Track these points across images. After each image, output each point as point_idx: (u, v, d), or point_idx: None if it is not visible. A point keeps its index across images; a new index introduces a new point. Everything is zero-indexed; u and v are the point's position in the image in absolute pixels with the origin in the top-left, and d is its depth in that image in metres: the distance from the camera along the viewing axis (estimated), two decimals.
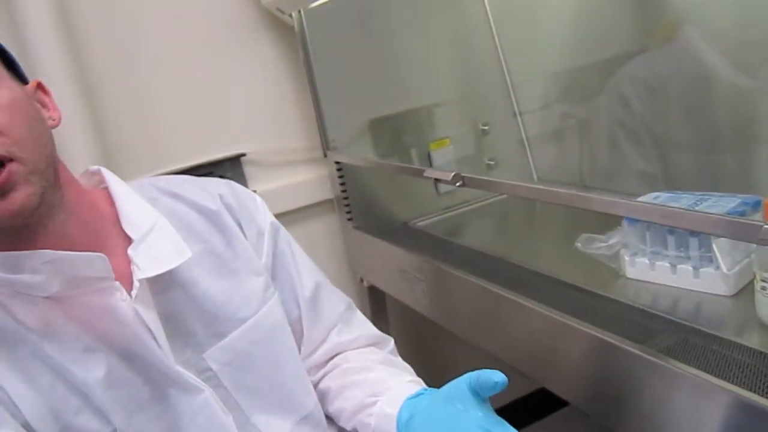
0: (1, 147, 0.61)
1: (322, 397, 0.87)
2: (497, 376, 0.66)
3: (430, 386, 0.78)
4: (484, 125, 1.55)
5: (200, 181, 0.85)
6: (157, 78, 1.40)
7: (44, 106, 0.72)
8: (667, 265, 0.88)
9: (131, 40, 1.37)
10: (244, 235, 0.82)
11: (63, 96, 1.26)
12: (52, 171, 0.67)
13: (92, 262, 0.67)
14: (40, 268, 0.66)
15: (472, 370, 0.70)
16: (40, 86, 0.73)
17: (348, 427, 0.83)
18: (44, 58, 1.24)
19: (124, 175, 0.82)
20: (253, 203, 0.86)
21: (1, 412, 0.66)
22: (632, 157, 1.22)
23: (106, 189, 0.77)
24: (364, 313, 0.95)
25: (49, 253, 0.65)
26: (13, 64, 0.70)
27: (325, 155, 1.45)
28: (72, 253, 0.66)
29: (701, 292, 0.85)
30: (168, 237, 0.74)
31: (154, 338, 0.71)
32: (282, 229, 0.88)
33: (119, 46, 1.36)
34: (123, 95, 1.37)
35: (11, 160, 0.62)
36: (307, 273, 0.88)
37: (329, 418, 0.87)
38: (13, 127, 0.63)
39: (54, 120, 0.72)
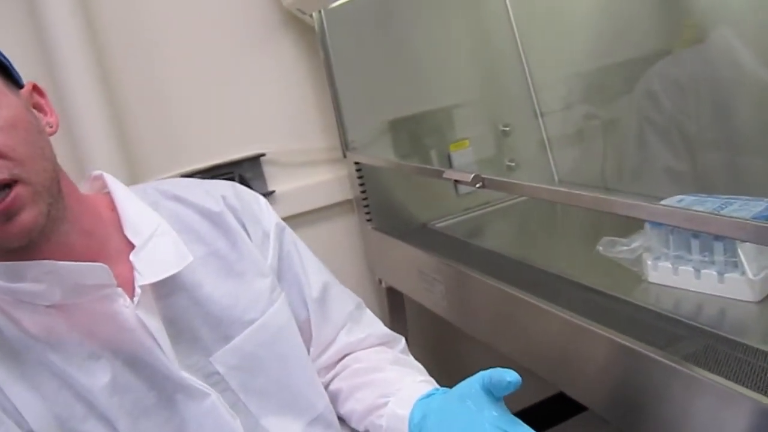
0: (5, 171, 0.61)
1: (333, 399, 0.86)
2: (510, 376, 0.65)
3: (444, 387, 0.77)
4: (505, 126, 1.54)
5: (203, 183, 0.85)
6: (178, 78, 1.41)
7: (41, 110, 0.71)
8: (691, 269, 0.87)
9: (153, 41, 1.38)
10: (249, 237, 0.82)
11: (84, 98, 1.27)
12: (56, 185, 0.67)
13: (93, 271, 0.66)
14: (42, 277, 0.65)
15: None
16: (35, 89, 0.72)
17: (360, 429, 0.82)
18: (67, 60, 1.26)
19: (144, 175, 0.83)
20: (257, 204, 0.85)
21: (5, 420, 0.66)
22: (660, 154, 1.20)
23: (109, 194, 0.77)
24: (382, 315, 0.95)
25: (49, 264, 0.65)
26: (7, 70, 0.69)
27: (345, 156, 1.45)
28: (73, 264, 0.65)
29: (726, 297, 0.83)
30: (170, 242, 0.74)
31: (158, 344, 0.70)
32: (287, 229, 0.87)
33: (141, 47, 1.37)
34: (144, 95, 1.38)
35: (16, 182, 0.61)
36: (314, 273, 0.87)
37: (341, 420, 0.86)
38: (16, 147, 0.62)
39: (52, 127, 0.71)
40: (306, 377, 0.82)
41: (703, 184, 1.14)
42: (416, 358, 0.87)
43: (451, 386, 0.73)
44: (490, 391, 0.67)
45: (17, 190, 0.61)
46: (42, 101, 0.72)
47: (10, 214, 0.61)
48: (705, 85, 1.14)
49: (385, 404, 0.78)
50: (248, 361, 0.77)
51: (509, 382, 0.65)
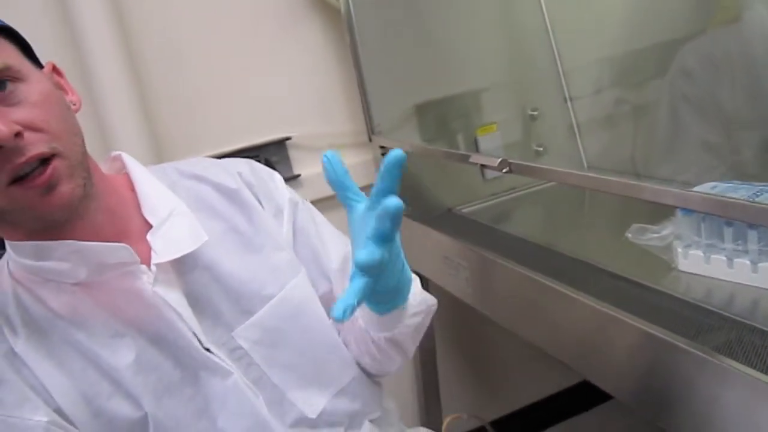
0: (44, 144, 0.62)
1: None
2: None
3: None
4: (533, 110, 1.51)
5: (221, 161, 0.86)
6: (205, 62, 1.41)
7: (62, 89, 0.72)
8: (723, 258, 0.84)
9: (179, 25, 1.38)
10: (265, 212, 0.83)
11: (110, 81, 1.28)
12: (86, 161, 0.69)
13: (117, 251, 0.68)
14: (67, 256, 0.67)
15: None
16: (55, 69, 0.73)
17: (369, 346, 0.81)
18: (93, 41, 1.27)
19: (171, 159, 0.83)
20: (272, 181, 0.86)
21: (34, 398, 0.67)
22: (695, 132, 1.17)
23: (127, 175, 0.78)
24: None
25: (75, 244, 0.67)
26: (28, 50, 0.70)
27: (370, 140, 1.44)
28: (97, 244, 0.67)
29: (759, 287, 0.81)
30: (186, 222, 0.75)
31: (183, 320, 0.71)
32: (302, 204, 0.88)
33: (167, 31, 1.37)
34: (170, 79, 1.38)
35: (54, 155, 0.63)
36: (334, 245, 0.87)
37: (372, 390, 0.86)
38: (51, 122, 0.64)
39: (75, 105, 0.72)
40: (331, 350, 0.82)
41: (738, 163, 1.11)
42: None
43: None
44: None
45: (55, 164, 0.63)
46: (62, 81, 0.73)
47: (50, 186, 0.63)
48: (741, 63, 1.11)
49: None
50: (271, 335, 0.77)
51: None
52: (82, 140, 0.69)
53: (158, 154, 1.34)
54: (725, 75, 1.13)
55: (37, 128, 0.63)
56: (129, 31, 1.33)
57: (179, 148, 1.39)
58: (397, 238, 0.63)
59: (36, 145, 0.62)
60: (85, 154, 0.69)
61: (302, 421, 0.79)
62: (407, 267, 0.70)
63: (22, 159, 0.61)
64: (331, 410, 0.81)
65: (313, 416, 0.79)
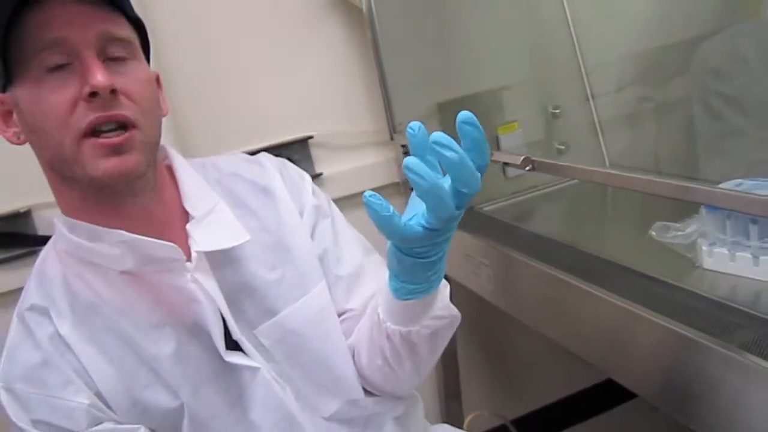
0: (132, 112, 0.67)
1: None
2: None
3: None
4: (555, 108, 1.51)
5: (255, 158, 0.87)
6: (226, 60, 1.42)
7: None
8: (749, 256, 0.84)
9: (202, 24, 1.39)
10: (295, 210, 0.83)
11: None
12: (156, 151, 0.73)
13: (166, 249, 0.70)
14: (118, 244, 0.69)
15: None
16: (157, 79, 0.78)
17: (383, 342, 0.76)
18: None
19: (194, 155, 0.85)
20: (301, 181, 0.87)
21: (76, 381, 0.69)
22: (729, 129, 1.15)
23: (169, 166, 0.80)
24: None
25: (125, 235, 0.69)
26: (146, 48, 0.76)
27: (392, 138, 1.45)
28: (146, 239, 0.69)
29: None
30: (227, 219, 0.77)
31: (218, 312, 0.73)
32: (326, 209, 0.87)
33: (191, 31, 1.38)
34: (193, 77, 1.39)
35: (135, 126, 0.67)
36: (350, 253, 0.86)
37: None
38: (143, 99, 0.69)
39: (163, 111, 0.76)
40: (347, 360, 0.82)
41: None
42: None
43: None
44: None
45: (133, 133, 0.67)
46: (159, 91, 0.77)
47: (119, 150, 0.66)
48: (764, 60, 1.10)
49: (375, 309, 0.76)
50: (292, 337, 0.78)
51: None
52: (160, 134, 0.73)
53: (182, 150, 1.34)
54: (757, 69, 1.11)
55: (132, 98, 0.68)
56: (153, 28, 1.33)
57: (203, 145, 1.40)
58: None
59: (126, 108, 0.67)
60: (157, 146, 0.73)
61: (332, 416, 0.80)
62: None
63: (109, 113, 0.65)
64: (347, 410, 0.81)
65: (326, 415, 0.80)
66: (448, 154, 0.53)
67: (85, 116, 0.65)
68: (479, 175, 0.57)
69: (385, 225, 0.57)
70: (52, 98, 0.65)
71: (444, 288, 0.73)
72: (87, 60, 0.65)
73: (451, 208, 0.57)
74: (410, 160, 0.54)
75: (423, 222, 0.58)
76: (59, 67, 0.65)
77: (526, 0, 1.51)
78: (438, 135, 0.54)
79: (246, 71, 1.44)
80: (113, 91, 0.65)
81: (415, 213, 0.59)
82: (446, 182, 0.57)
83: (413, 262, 0.63)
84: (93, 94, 0.64)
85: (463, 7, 1.43)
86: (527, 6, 1.51)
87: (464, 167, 0.54)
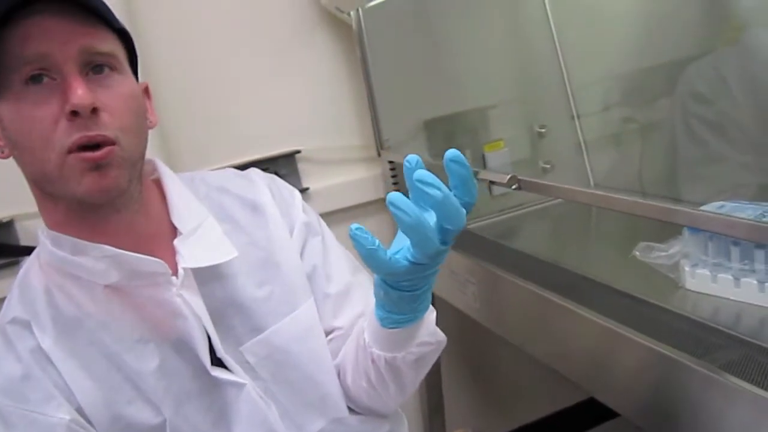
0: (110, 130, 0.66)
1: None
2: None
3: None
4: (541, 128, 1.52)
5: (245, 173, 0.87)
6: (214, 74, 1.42)
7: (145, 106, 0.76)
8: (730, 277, 0.85)
9: (191, 39, 1.40)
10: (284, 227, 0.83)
11: None
12: (140, 166, 0.72)
13: (151, 264, 0.69)
14: (102, 258, 0.68)
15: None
16: (146, 90, 0.78)
17: (368, 366, 0.76)
18: None
19: (181, 170, 0.84)
20: (291, 197, 0.86)
21: (58, 396, 0.68)
22: (716, 149, 1.17)
23: (158, 180, 0.80)
24: None
25: (110, 250, 0.68)
26: (133, 59, 0.75)
27: (379, 154, 1.45)
28: (133, 255, 0.68)
29: (766, 307, 0.81)
30: (215, 235, 0.76)
31: (203, 328, 0.72)
32: (316, 227, 0.86)
33: (179, 45, 1.39)
34: (180, 90, 1.39)
35: (114, 143, 0.66)
36: (339, 271, 0.86)
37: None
38: (124, 115, 0.68)
39: (151, 123, 0.76)
40: (333, 378, 0.82)
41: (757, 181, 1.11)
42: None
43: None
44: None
45: (112, 149, 0.66)
46: (147, 102, 0.77)
47: (99, 166, 0.65)
48: (744, 85, 1.11)
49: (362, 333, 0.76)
50: (279, 354, 0.78)
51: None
52: (144, 149, 0.72)
53: (168, 164, 1.33)
54: (738, 94, 1.13)
55: (113, 114, 0.67)
56: (140, 42, 1.33)
57: (189, 159, 1.40)
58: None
59: (105, 127, 0.66)
60: (141, 160, 0.72)
61: None
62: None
63: (89, 133, 0.64)
64: (332, 429, 0.80)
65: None
66: (432, 192, 0.54)
67: (68, 135, 0.64)
68: (465, 212, 0.57)
69: (371, 259, 0.57)
70: (35, 114, 0.64)
71: (430, 314, 0.72)
72: (68, 76, 0.64)
73: (436, 244, 0.57)
74: (393, 195, 0.54)
75: (409, 256, 0.58)
76: (41, 82, 0.65)
77: (514, 20, 1.53)
78: (421, 173, 0.54)
79: (234, 85, 1.44)
80: (94, 110, 0.64)
81: (401, 247, 0.60)
82: (431, 218, 0.57)
83: (399, 294, 0.64)
84: (74, 113, 0.64)
85: (451, 26, 1.44)
86: (514, 26, 1.53)
87: (449, 205, 0.55)
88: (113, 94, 0.68)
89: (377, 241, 0.57)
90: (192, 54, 1.40)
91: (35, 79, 0.64)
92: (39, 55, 0.64)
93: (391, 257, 0.58)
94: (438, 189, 0.54)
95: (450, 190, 0.56)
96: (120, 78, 0.69)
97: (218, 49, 1.42)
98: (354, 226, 0.56)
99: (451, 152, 0.56)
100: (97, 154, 0.65)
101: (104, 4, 0.68)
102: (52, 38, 0.64)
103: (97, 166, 0.65)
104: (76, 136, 0.64)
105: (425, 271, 0.61)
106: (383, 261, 0.58)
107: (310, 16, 1.47)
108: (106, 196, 0.67)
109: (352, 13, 1.38)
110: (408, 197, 0.55)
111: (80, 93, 0.63)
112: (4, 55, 0.64)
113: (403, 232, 0.56)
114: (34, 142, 0.65)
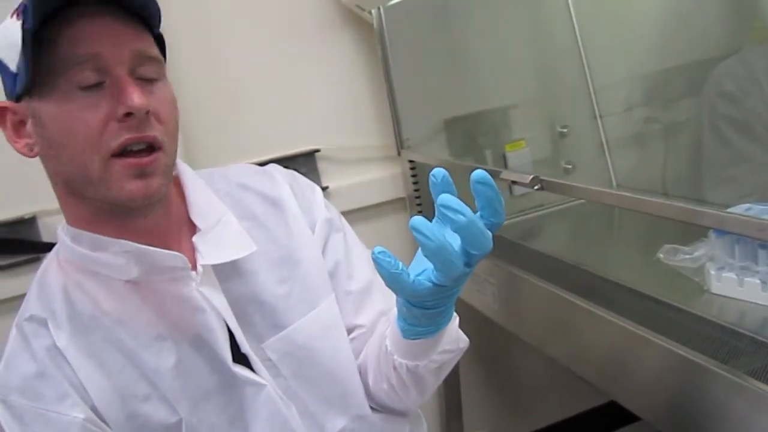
0: (160, 133, 0.67)
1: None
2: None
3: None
4: (563, 127, 1.51)
5: (265, 169, 0.86)
6: (236, 73, 1.43)
7: None
8: (758, 281, 0.83)
9: (212, 37, 1.40)
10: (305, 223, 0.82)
11: None
12: (172, 170, 0.73)
13: (171, 258, 0.69)
14: (122, 254, 0.68)
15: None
16: None
17: (390, 372, 0.76)
18: None
19: (201, 167, 0.84)
20: (312, 194, 0.86)
21: (72, 394, 0.68)
22: (746, 151, 1.14)
23: (176, 177, 0.79)
24: None
25: (130, 245, 0.68)
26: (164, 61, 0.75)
27: (399, 153, 1.45)
28: (154, 249, 0.68)
29: None
30: (233, 231, 0.76)
31: (223, 326, 0.72)
32: (337, 223, 0.86)
33: (200, 43, 1.39)
34: (202, 89, 1.40)
35: (161, 148, 0.67)
36: (361, 269, 0.85)
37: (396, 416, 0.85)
38: (170, 121, 0.69)
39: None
40: (355, 374, 0.81)
41: None
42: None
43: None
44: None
45: (159, 156, 0.67)
46: None
47: (145, 173, 0.66)
48: None
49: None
50: (300, 351, 0.77)
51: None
52: (177, 152, 0.73)
53: (188, 162, 1.34)
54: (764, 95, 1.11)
55: (161, 120, 0.68)
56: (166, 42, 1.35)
57: (210, 156, 1.40)
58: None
59: (156, 129, 0.66)
60: (174, 165, 0.73)
61: None
62: None
63: (141, 134, 0.65)
64: (354, 427, 0.80)
65: None
66: (456, 217, 0.53)
67: (117, 136, 0.64)
68: (490, 234, 0.56)
69: (395, 282, 0.57)
70: (83, 116, 0.64)
71: (453, 321, 0.72)
72: (121, 79, 0.64)
73: (460, 267, 0.56)
74: (416, 220, 0.53)
75: (432, 278, 0.58)
76: (91, 85, 0.64)
77: (536, 19, 1.52)
78: (445, 198, 0.54)
79: (254, 84, 1.44)
80: (146, 113, 0.65)
81: (424, 268, 0.59)
82: (455, 241, 0.56)
83: (422, 312, 0.64)
84: (128, 115, 0.64)
85: (473, 25, 1.43)
86: (537, 25, 1.52)
87: (474, 229, 0.54)
88: (160, 100, 0.68)
89: (400, 264, 0.57)
90: (212, 53, 1.41)
91: (86, 87, 0.64)
92: (90, 55, 0.64)
93: (414, 280, 0.58)
94: (462, 215, 0.53)
95: (476, 211, 0.56)
96: (164, 84, 0.70)
97: (238, 48, 1.42)
98: (377, 249, 0.56)
99: (478, 173, 0.55)
100: (144, 160, 0.65)
101: (158, 8, 0.68)
102: (104, 39, 0.64)
103: (142, 173, 0.66)
104: (125, 137, 0.64)
105: (448, 291, 0.60)
106: (407, 284, 0.58)
107: (331, 14, 1.47)
108: (148, 201, 0.68)
109: (373, 11, 1.38)
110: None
111: (137, 96, 0.64)
112: (51, 55, 0.64)
113: (425, 256, 0.56)
114: (78, 143, 0.65)
